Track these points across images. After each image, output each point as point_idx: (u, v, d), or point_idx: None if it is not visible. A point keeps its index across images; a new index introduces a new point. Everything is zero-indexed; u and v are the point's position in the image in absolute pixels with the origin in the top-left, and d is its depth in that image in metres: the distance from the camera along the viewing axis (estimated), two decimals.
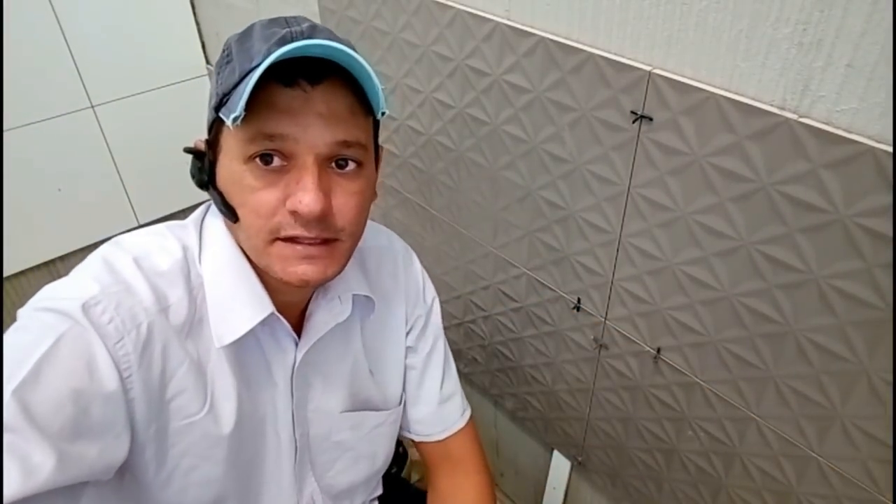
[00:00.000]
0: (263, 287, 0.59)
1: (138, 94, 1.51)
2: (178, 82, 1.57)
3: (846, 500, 0.71)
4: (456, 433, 0.81)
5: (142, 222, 1.63)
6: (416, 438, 0.81)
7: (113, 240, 0.59)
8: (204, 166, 0.57)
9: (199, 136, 0.59)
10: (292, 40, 0.50)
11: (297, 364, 0.64)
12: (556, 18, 0.75)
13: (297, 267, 0.54)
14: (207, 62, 1.60)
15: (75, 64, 1.39)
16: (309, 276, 0.55)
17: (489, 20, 0.81)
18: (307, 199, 0.51)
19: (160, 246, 0.58)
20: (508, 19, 0.80)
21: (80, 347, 0.49)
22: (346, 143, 0.53)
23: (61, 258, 1.53)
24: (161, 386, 0.55)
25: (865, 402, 0.64)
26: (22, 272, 1.48)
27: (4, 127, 1.33)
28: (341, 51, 0.49)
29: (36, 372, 0.46)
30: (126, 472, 0.55)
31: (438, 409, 0.79)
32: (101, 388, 0.49)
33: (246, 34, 0.54)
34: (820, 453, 0.70)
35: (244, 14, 1.36)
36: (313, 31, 0.53)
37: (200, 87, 1.60)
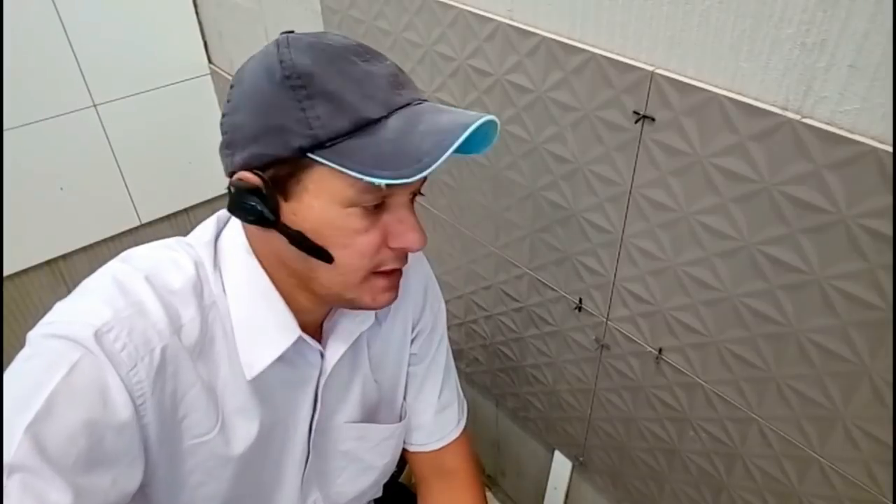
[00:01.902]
0: (290, 311, 0.58)
1: (140, 93, 1.51)
2: (181, 81, 1.57)
3: (848, 502, 0.70)
4: (450, 444, 0.80)
5: (143, 221, 1.63)
6: (410, 448, 0.80)
7: (122, 255, 0.58)
8: (266, 204, 0.52)
9: (239, 172, 0.53)
10: (396, 86, 0.51)
11: (324, 375, 0.64)
12: (559, 18, 0.75)
13: (384, 295, 0.57)
14: (210, 61, 1.60)
15: (78, 63, 1.39)
16: (392, 300, 0.58)
17: (491, 20, 0.81)
18: (417, 238, 0.55)
19: (171, 261, 0.57)
20: (511, 19, 0.80)
21: (93, 377, 0.48)
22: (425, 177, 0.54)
23: (63, 257, 1.53)
24: (173, 408, 0.54)
25: (867, 403, 0.64)
26: (24, 271, 1.49)
27: (6, 126, 1.33)
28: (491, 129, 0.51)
29: (48, 406, 0.45)
30: (137, 491, 0.54)
31: (435, 418, 0.78)
32: (115, 418, 0.49)
33: (324, 65, 0.50)
34: (822, 454, 0.70)
35: (247, 13, 1.36)
36: (397, 71, 0.54)
37: (202, 87, 1.60)
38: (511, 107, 0.85)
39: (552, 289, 0.95)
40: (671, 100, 0.66)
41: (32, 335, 0.50)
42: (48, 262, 1.52)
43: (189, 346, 0.55)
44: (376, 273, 0.56)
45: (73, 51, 1.37)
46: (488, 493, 1.43)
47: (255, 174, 0.52)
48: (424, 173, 0.47)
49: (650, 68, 0.67)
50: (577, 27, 0.73)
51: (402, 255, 0.57)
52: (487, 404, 1.31)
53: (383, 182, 0.47)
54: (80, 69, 1.40)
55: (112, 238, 1.60)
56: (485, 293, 1.09)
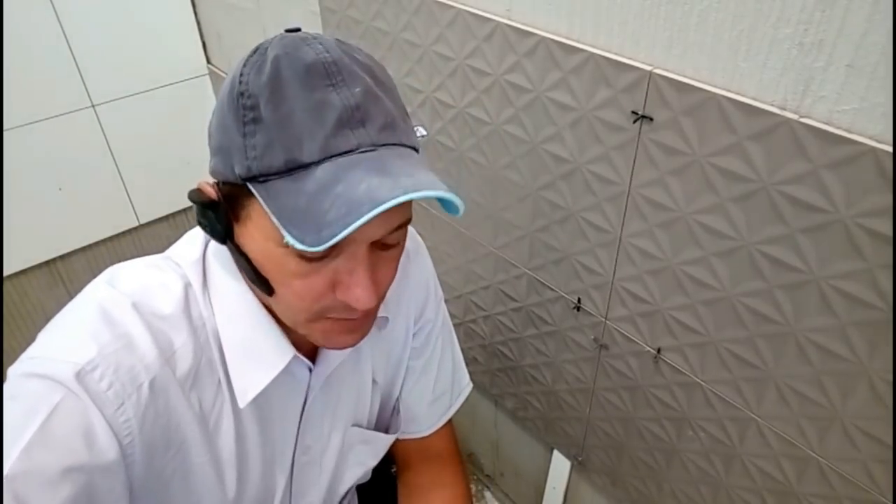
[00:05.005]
0: (281, 328, 0.56)
1: (139, 93, 1.51)
2: (179, 82, 1.57)
3: (847, 501, 0.71)
4: (438, 430, 0.80)
5: (142, 222, 1.63)
6: (400, 436, 0.79)
7: (107, 275, 0.55)
8: (219, 219, 0.50)
9: (204, 179, 0.52)
10: (349, 125, 0.44)
11: (309, 392, 0.62)
12: (557, 18, 0.75)
13: (340, 338, 0.54)
14: (208, 62, 1.60)
15: (76, 63, 1.39)
16: (350, 343, 0.54)
17: (490, 20, 0.81)
18: (364, 296, 0.48)
19: (160, 283, 0.54)
20: (509, 19, 0.80)
21: (76, 419, 0.46)
22: (398, 227, 0.50)
23: (61, 257, 1.53)
24: (164, 440, 0.53)
25: (866, 402, 0.64)
26: (23, 271, 1.48)
27: (5, 126, 1.33)
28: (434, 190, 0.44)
29: (29, 453, 0.43)
30: None
31: (428, 409, 0.78)
32: (100, 460, 0.47)
33: (275, 86, 0.45)
34: (820, 454, 0.70)
35: (245, 14, 1.35)
36: (367, 101, 0.46)
37: (201, 87, 1.60)
38: (510, 107, 0.84)
39: (551, 289, 0.95)
40: (669, 99, 0.66)
41: (13, 372, 0.48)
42: (47, 263, 1.52)
43: (181, 375, 0.53)
44: (327, 318, 0.52)
45: (71, 51, 1.37)
46: (487, 493, 1.43)
47: (215, 187, 0.50)
48: (321, 248, 0.41)
49: (648, 68, 0.67)
50: (576, 27, 0.73)
51: (350, 308, 0.50)
52: (486, 404, 1.31)
53: (289, 242, 0.43)
54: (79, 69, 1.40)
55: (111, 238, 1.60)
56: (484, 293, 1.09)
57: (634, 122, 0.70)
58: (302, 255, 0.47)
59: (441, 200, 0.46)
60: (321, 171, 0.43)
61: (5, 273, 1.45)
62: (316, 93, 0.44)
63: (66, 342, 0.49)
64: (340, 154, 0.44)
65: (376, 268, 0.50)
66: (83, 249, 1.56)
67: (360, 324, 0.54)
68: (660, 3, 0.64)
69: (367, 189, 0.42)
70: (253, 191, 0.45)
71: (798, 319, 0.65)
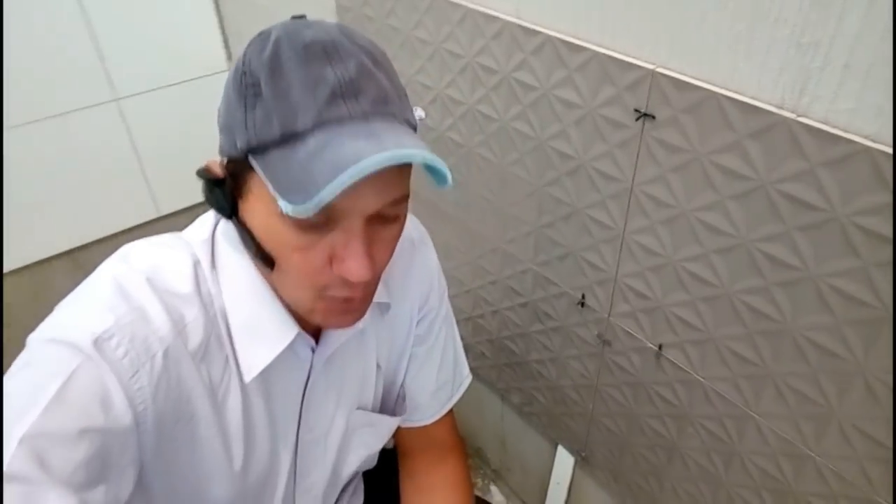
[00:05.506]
0: (285, 307, 0.57)
1: (161, 88, 1.55)
2: (200, 77, 1.60)
3: (843, 500, 0.71)
4: (440, 419, 0.80)
5: (163, 213, 1.67)
6: (403, 424, 0.80)
7: (120, 254, 0.57)
8: (225, 196, 0.52)
9: (213, 158, 0.54)
10: (342, 96, 0.46)
11: (312, 372, 0.64)
12: (563, 17, 0.76)
13: (339, 319, 0.55)
14: (229, 58, 1.63)
15: (100, 58, 1.43)
16: (348, 324, 0.56)
17: (498, 19, 0.82)
18: (358, 268, 0.49)
19: (171, 260, 0.56)
20: (518, 17, 0.81)
21: (93, 384, 0.47)
22: (395, 201, 0.50)
23: (84, 247, 1.58)
24: (175, 411, 0.54)
25: (862, 401, 0.64)
26: (46, 259, 1.53)
27: (30, 119, 1.38)
28: (415, 154, 0.45)
29: (47, 414, 0.45)
30: (137, 493, 0.54)
31: (430, 398, 0.79)
32: (115, 425, 0.48)
33: (275, 63, 0.47)
34: (817, 452, 0.71)
35: (263, 11, 1.39)
36: (361, 76, 0.47)
37: (222, 83, 1.63)
38: (517, 104, 0.86)
39: (556, 284, 0.96)
40: (671, 98, 0.67)
41: (32, 339, 0.50)
42: (69, 252, 1.56)
43: (192, 348, 0.54)
44: (327, 296, 0.52)
45: (95, 46, 1.41)
46: (493, 488, 1.44)
47: (222, 165, 0.52)
48: (308, 208, 0.42)
49: (651, 67, 0.68)
50: (582, 26, 0.75)
51: (349, 283, 0.51)
52: (493, 399, 1.32)
53: (282, 208, 0.44)
54: (103, 64, 1.44)
55: (131, 229, 1.64)
56: (491, 288, 1.11)
57: (637, 119, 0.71)
58: (300, 227, 0.48)
59: (431, 172, 0.48)
60: (313, 139, 0.45)
61: (29, 261, 1.50)
62: (313, 68, 0.46)
63: (83, 313, 0.51)
64: (332, 123, 0.46)
65: (372, 243, 0.51)
66: (105, 239, 1.60)
67: (358, 304, 0.55)
68: (662, 2, 0.65)
69: (353, 151, 0.43)
70: (252, 162, 0.47)
71: (795, 317, 0.66)
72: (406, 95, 0.53)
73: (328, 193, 0.42)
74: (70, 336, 0.48)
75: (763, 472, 0.78)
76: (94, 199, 1.54)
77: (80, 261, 1.58)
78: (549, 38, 0.77)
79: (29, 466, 0.43)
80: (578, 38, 0.75)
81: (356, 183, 0.43)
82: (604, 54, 0.72)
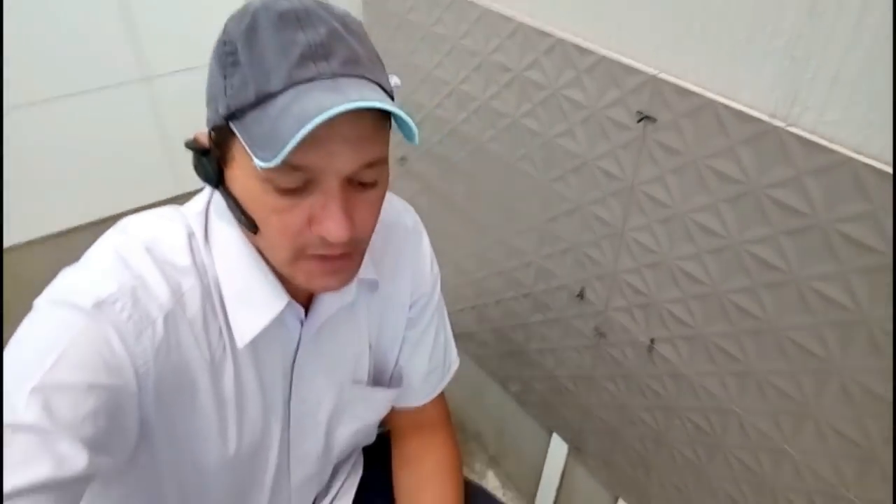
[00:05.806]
0: (276, 277, 0.59)
1: (189, 69, 1.60)
2: None
3: (817, 496, 0.74)
4: (430, 401, 0.83)
5: (182, 191, 1.72)
6: (396, 405, 0.82)
7: (119, 225, 0.59)
8: (210, 165, 0.55)
9: (201, 130, 0.57)
10: (312, 58, 0.48)
11: (300, 343, 0.66)
12: (574, 21, 0.80)
13: (322, 280, 0.56)
14: None
15: (131, 34, 1.48)
16: (333, 286, 0.58)
17: (513, 19, 0.86)
18: (336, 228, 0.51)
19: (168, 231, 0.58)
20: (531, 17, 0.85)
21: (97, 345, 0.50)
22: (370, 164, 0.52)
23: (106, 219, 1.63)
24: (174, 377, 0.56)
25: (837, 401, 0.67)
26: (71, 229, 1.59)
27: (58, 93, 1.43)
28: (378, 103, 0.47)
29: (55, 369, 0.47)
30: (143, 453, 0.57)
31: (423, 381, 0.81)
32: (120, 384, 0.50)
33: (252, 32, 0.49)
34: (794, 449, 0.74)
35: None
36: (332, 40, 0.50)
37: None
38: (527, 102, 0.90)
39: (557, 277, 0.99)
40: (671, 102, 0.70)
41: (39, 301, 0.52)
42: (92, 224, 1.62)
43: (191, 316, 0.56)
44: (308, 256, 0.54)
45: (129, 22, 1.46)
46: (490, 473, 1.49)
47: (209, 136, 0.55)
48: (276, 160, 0.45)
49: (654, 72, 0.71)
50: (591, 30, 0.78)
51: (331, 244, 0.53)
52: (494, 387, 1.36)
53: (257, 166, 0.47)
54: (133, 42, 1.49)
55: (152, 204, 1.69)
56: (496, 278, 1.15)
57: (639, 121, 0.75)
58: (279, 191, 0.50)
59: (398, 123, 0.50)
60: (283, 98, 0.47)
61: (56, 229, 1.56)
62: (286, 34, 0.48)
63: (87, 279, 0.54)
64: (300, 83, 0.48)
65: (353, 207, 0.53)
66: (125, 214, 1.66)
67: (341, 265, 0.56)
68: (666, 10, 0.69)
69: (317, 104, 0.46)
70: (232, 127, 0.50)
71: (778, 317, 0.69)
72: (380, 62, 0.55)
73: (292, 144, 0.44)
74: (76, 299, 0.51)
75: (743, 465, 0.82)
76: (117, 174, 1.60)
77: (101, 232, 1.64)
78: (560, 41, 0.81)
79: (40, 416, 0.45)
80: (587, 42, 0.79)
81: (330, 144, 0.47)
82: (610, 58, 0.75)
